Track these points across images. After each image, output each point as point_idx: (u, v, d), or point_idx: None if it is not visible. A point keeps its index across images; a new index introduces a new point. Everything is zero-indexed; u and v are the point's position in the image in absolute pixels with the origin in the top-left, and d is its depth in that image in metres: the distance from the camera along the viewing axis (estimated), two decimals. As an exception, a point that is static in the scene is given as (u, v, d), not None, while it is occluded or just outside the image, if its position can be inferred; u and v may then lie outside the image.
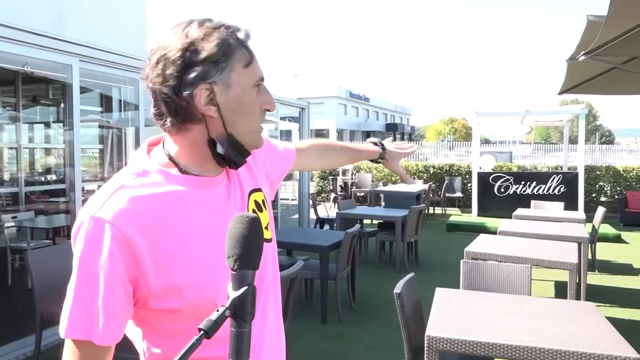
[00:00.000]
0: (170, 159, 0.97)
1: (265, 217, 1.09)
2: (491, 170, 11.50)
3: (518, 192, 10.26)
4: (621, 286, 5.95)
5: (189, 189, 0.96)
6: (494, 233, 5.27)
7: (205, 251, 0.94)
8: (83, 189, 4.59)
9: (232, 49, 0.91)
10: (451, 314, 2.58)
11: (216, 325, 0.68)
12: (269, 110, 0.99)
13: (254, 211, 1.06)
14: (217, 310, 0.69)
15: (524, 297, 3.02)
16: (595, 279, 6.20)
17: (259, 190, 1.11)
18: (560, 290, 5.60)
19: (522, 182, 10.36)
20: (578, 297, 4.66)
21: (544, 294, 5.42)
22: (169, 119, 0.93)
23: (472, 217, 10.80)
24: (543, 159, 25.17)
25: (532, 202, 8.02)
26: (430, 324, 2.42)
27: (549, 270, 6.13)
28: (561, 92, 8.29)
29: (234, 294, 0.71)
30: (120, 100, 6.83)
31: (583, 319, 2.54)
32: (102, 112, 7.65)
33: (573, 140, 12.60)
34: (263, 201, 1.11)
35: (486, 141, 37.60)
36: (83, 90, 4.85)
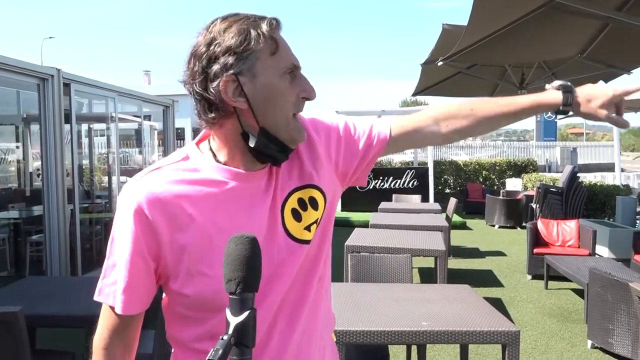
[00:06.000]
0: (212, 151, 1.00)
1: (311, 216, 1.03)
2: (351, 167, 12.07)
3: (378, 186, 10.91)
4: (472, 268, 6.67)
5: (224, 181, 0.97)
6: (361, 226, 5.54)
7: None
8: None
9: (253, 38, 0.91)
10: (350, 307, 2.67)
11: (225, 354, 0.66)
12: (307, 99, 0.98)
13: (293, 210, 1.01)
14: (222, 339, 0.67)
15: (409, 285, 3.24)
16: (451, 263, 6.85)
17: (308, 186, 1.04)
18: (425, 276, 6.11)
19: (381, 177, 11.05)
20: (442, 281, 5.12)
21: (413, 280, 5.85)
22: (203, 116, 0.96)
23: (337, 211, 11.23)
24: (390, 155, 27.14)
25: (394, 195, 8.61)
26: (336, 319, 2.47)
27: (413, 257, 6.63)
28: (415, 94, 9.02)
29: (235, 319, 0.69)
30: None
31: (465, 300, 2.80)
32: None
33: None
34: (311, 198, 1.04)
35: (339, 139, 39.34)
36: None
